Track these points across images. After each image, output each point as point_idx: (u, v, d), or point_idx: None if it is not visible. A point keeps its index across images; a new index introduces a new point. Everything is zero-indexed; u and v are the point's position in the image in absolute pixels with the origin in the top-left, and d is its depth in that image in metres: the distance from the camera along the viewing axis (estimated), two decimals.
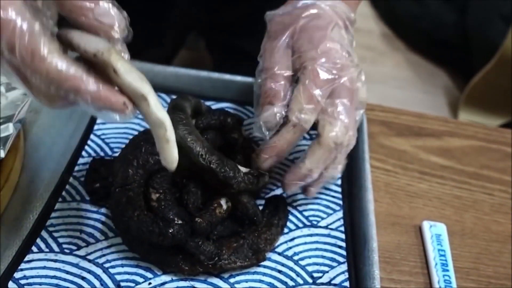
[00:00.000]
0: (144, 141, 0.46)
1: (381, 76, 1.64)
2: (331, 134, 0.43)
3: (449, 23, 1.62)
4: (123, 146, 0.54)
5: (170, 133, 0.35)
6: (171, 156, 0.36)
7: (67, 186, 0.49)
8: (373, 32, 1.81)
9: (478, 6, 1.53)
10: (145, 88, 0.33)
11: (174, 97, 0.60)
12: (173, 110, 0.45)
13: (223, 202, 0.45)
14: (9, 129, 0.49)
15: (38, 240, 0.44)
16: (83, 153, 0.52)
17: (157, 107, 0.34)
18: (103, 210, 0.48)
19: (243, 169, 0.45)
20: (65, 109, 0.33)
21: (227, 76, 0.62)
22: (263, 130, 0.45)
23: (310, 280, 0.44)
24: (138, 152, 0.43)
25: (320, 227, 0.49)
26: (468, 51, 1.55)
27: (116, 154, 0.53)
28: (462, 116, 1.45)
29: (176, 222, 0.41)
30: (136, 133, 0.55)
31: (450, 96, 1.59)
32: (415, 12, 1.70)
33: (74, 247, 0.44)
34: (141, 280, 0.42)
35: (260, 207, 0.48)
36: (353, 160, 0.56)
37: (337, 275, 0.45)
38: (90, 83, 0.30)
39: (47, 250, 0.43)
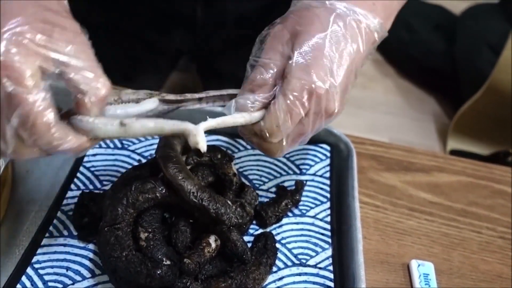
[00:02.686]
0: (135, 178, 0.45)
1: (371, 102, 1.65)
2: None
3: (438, 51, 1.64)
4: (113, 179, 0.54)
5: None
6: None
7: (55, 221, 0.48)
8: None
9: (467, 35, 1.56)
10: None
11: None
12: (163, 148, 0.45)
13: (211, 240, 0.45)
14: None
15: (24, 278, 0.43)
16: (72, 186, 0.52)
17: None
18: (90, 246, 0.47)
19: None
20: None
21: (219, 109, 0.62)
22: (231, 110, 0.42)
23: None
24: (128, 190, 0.43)
25: (309, 266, 0.48)
26: (457, 79, 1.57)
27: (106, 187, 0.53)
28: (450, 144, 1.46)
29: (164, 263, 0.41)
30: (126, 165, 0.56)
31: (439, 123, 1.60)
32: (406, 39, 1.72)
33: (59, 286, 0.43)
34: None
35: (248, 244, 0.48)
36: (342, 196, 0.56)
37: None
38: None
39: None
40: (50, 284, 0.43)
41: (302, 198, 0.55)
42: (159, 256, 0.41)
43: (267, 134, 0.41)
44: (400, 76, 1.76)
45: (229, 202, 0.45)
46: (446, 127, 1.54)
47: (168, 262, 0.41)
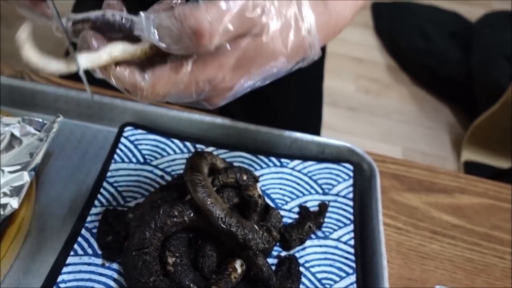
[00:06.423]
0: (162, 200, 0.45)
1: (385, 109, 1.64)
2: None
3: (454, 61, 1.63)
4: (136, 195, 0.54)
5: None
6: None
7: (79, 238, 0.48)
8: (378, 64, 1.83)
9: (483, 46, 1.55)
10: None
11: (187, 143, 0.60)
12: (191, 171, 0.45)
13: (237, 265, 0.44)
14: (23, 177, 0.49)
15: None
16: (96, 202, 0.52)
17: None
18: (114, 265, 0.47)
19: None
20: None
21: (241, 124, 0.62)
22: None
23: None
24: (155, 213, 0.43)
25: None
26: (472, 88, 1.56)
27: (129, 204, 0.52)
28: (465, 155, 1.45)
29: None
30: (148, 181, 0.55)
31: (453, 133, 1.59)
32: (421, 47, 1.71)
33: None
34: None
35: (272, 266, 0.48)
36: (366, 218, 0.56)
37: None
38: None
39: None
40: None
41: (326, 219, 0.54)
42: (187, 282, 0.41)
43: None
44: (415, 84, 1.75)
45: (256, 227, 0.45)
46: (461, 137, 1.53)
47: None
